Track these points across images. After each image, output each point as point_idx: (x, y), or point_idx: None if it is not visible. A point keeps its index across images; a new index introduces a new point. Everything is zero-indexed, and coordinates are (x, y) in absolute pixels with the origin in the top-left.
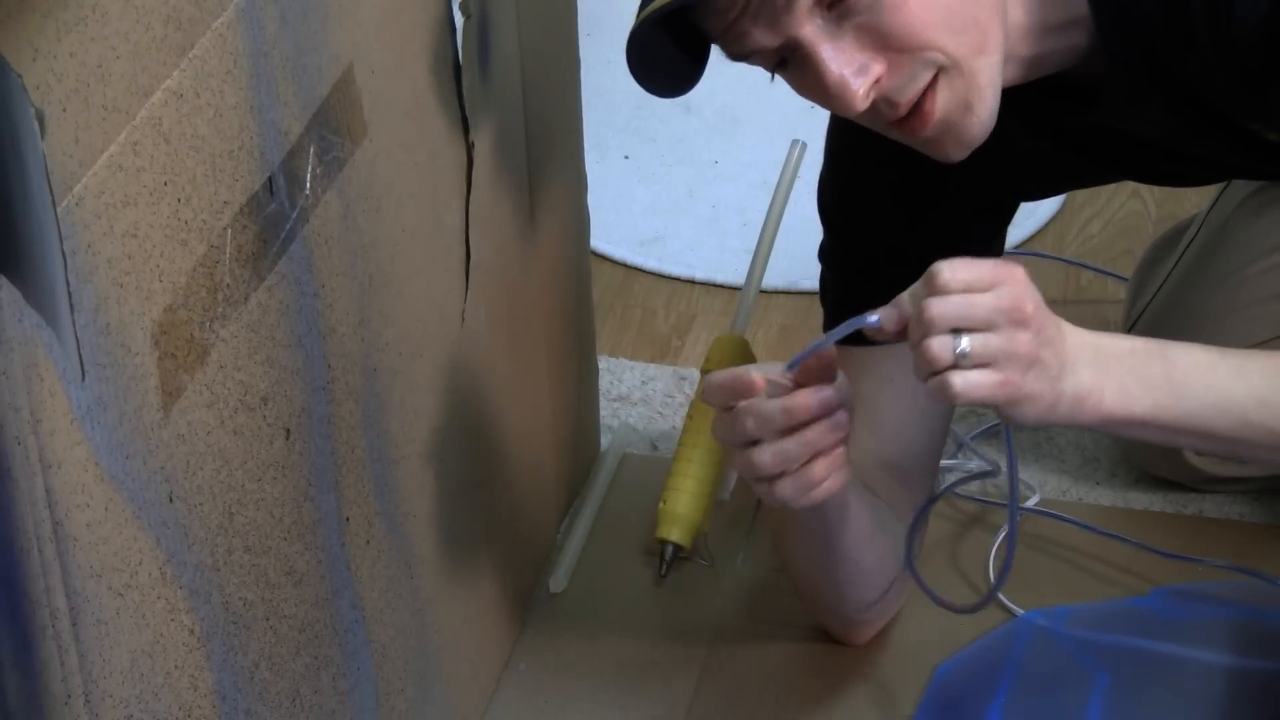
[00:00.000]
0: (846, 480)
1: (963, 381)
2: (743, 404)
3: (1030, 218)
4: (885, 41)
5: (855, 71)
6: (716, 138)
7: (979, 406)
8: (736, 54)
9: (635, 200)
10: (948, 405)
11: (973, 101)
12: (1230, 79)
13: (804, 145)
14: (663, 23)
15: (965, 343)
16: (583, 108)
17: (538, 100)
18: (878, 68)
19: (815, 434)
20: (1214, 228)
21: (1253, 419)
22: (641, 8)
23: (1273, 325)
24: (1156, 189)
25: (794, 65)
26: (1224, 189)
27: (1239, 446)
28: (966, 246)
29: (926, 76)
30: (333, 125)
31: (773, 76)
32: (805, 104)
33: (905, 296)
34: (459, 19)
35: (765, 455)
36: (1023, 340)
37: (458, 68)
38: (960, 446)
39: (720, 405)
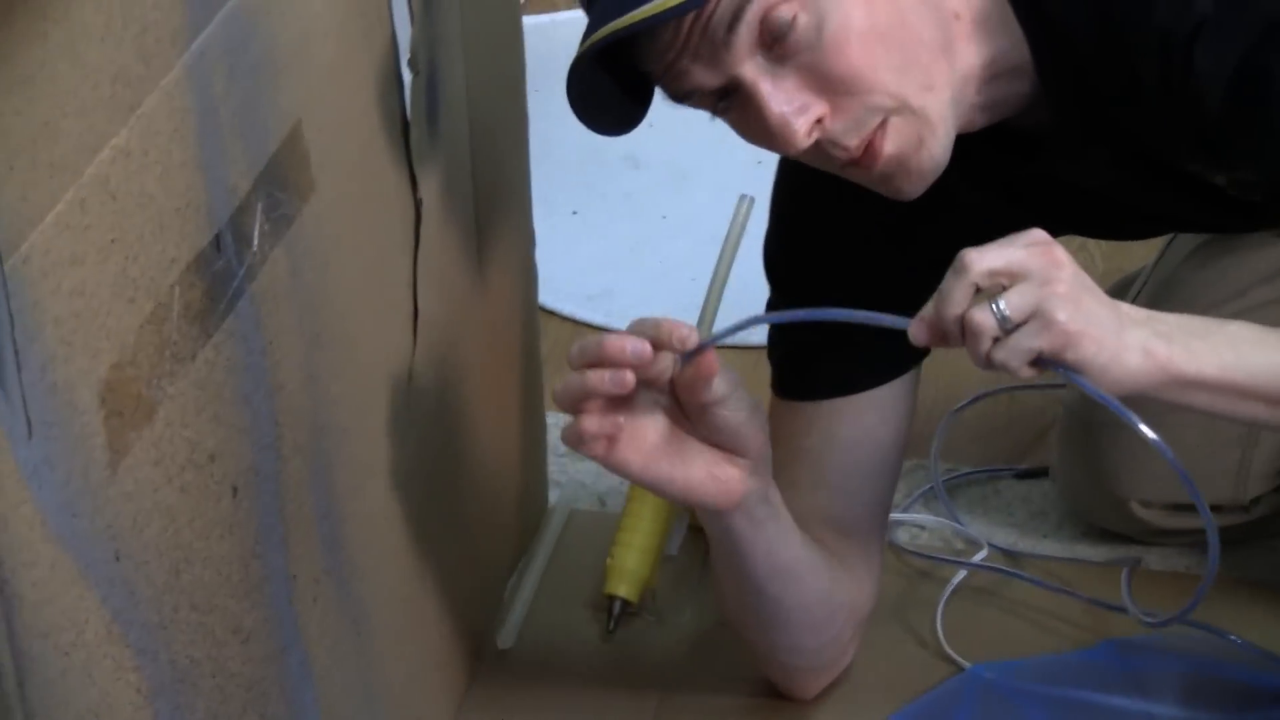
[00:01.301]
0: (730, 494)
1: (1011, 347)
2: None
3: None
4: (828, 83)
5: (796, 110)
6: (665, 192)
7: (1047, 370)
8: (677, 93)
9: (583, 255)
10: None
11: (924, 136)
12: (1178, 127)
13: (752, 200)
14: (603, 61)
15: (1002, 303)
16: (531, 163)
17: (485, 155)
18: (819, 107)
19: (594, 377)
20: (1160, 281)
21: None
22: (583, 41)
23: None
24: (1103, 243)
25: (735, 105)
26: (1170, 242)
27: None
28: (915, 303)
29: (874, 121)
30: (280, 182)
31: (712, 117)
32: (753, 158)
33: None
34: (407, 75)
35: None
36: (1063, 279)
37: (405, 124)
38: (911, 501)
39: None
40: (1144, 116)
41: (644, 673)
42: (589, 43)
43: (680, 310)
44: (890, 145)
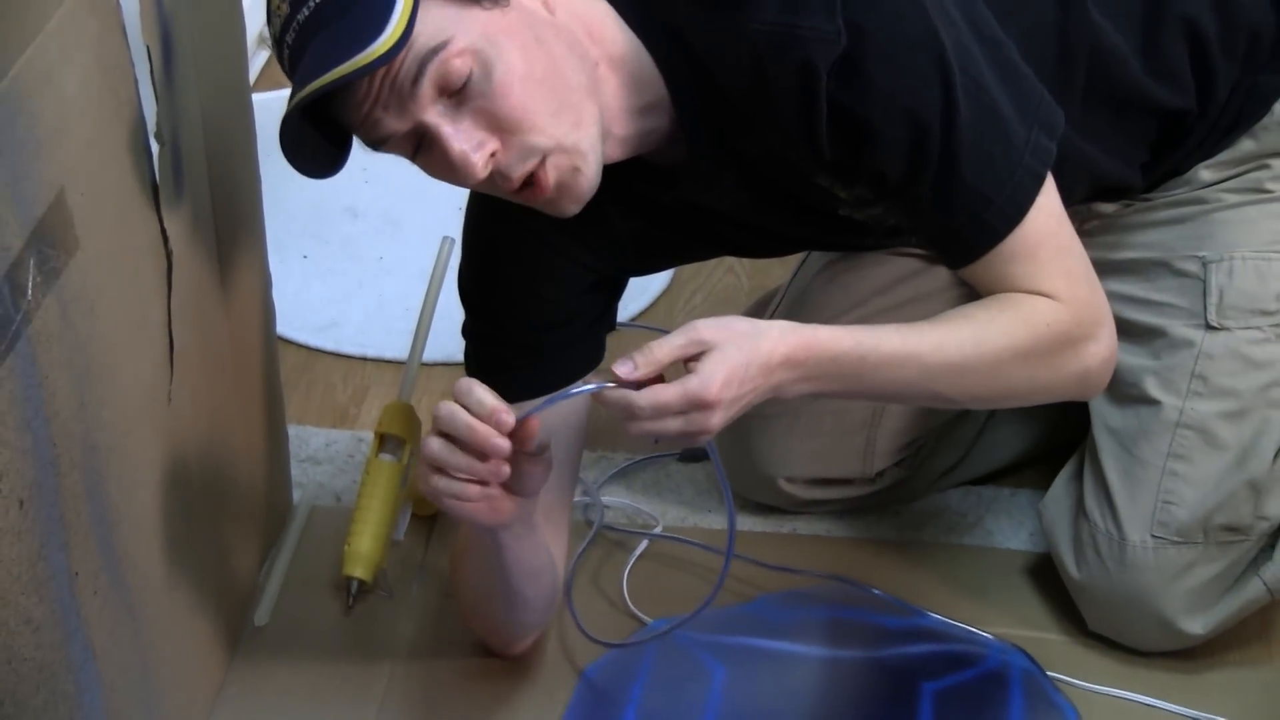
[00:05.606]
0: (501, 519)
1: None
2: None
3: (644, 293)
4: (497, 123)
5: (474, 146)
6: (380, 238)
7: None
8: (374, 140)
9: (313, 293)
10: (579, 451)
11: (579, 165)
12: (802, 152)
13: (453, 241)
14: (308, 115)
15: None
16: (265, 216)
17: (225, 211)
18: (493, 143)
19: (488, 466)
20: (796, 294)
21: (931, 395)
22: (291, 97)
23: None
24: (748, 264)
25: (424, 149)
26: (803, 262)
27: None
28: (584, 318)
29: (534, 160)
30: (49, 240)
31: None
32: (454, 207)
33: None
34: (154, 146)
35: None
36: (714, 418)
37: (155, 187)
38: (596, 486)
39: (450, 429)
40: (770, 144)
41: (380, 640)
42: (296, 100)
43: (397, 335)
44: (552, 178)
